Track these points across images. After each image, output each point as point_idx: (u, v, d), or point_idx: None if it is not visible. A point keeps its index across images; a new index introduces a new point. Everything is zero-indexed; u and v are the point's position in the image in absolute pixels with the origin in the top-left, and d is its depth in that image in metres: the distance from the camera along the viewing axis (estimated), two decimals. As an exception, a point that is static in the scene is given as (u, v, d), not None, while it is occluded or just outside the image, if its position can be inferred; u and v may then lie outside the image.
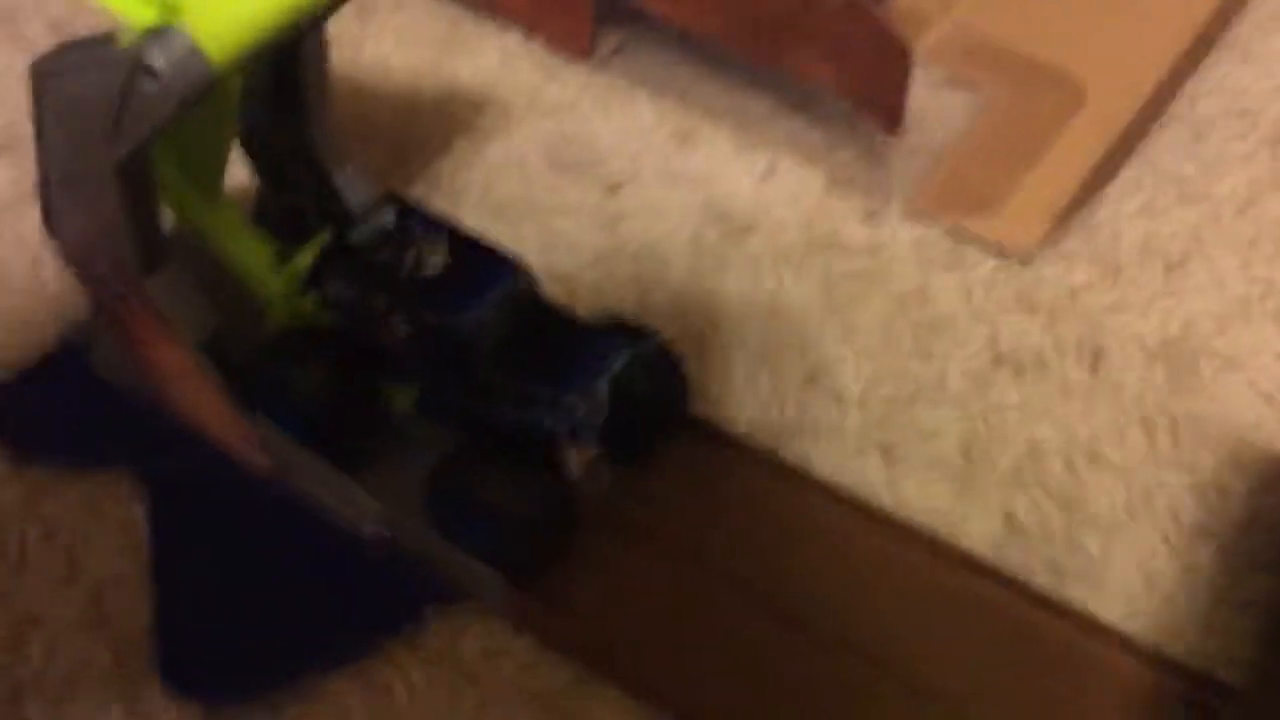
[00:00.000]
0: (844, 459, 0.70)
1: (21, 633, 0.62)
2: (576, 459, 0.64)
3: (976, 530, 0.67)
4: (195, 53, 0.51)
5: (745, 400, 0.73)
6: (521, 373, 0.60)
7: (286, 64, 0.64)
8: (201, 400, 0.68)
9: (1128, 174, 0.83)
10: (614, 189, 0.84)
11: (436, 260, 0.60)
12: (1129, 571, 0.65)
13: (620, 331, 0.63)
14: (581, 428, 0.60)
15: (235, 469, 0.68)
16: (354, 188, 0.70)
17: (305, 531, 0.66)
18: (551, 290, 0.68)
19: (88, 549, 0.65)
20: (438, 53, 0.90)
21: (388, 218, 0.62)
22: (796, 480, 0.68)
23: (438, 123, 0.86)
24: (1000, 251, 0.79)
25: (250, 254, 0.68)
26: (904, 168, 0.83)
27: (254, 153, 0.72)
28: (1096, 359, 0.74)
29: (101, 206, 0.58)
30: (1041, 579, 0.65)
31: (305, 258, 0.65)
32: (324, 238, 0.64)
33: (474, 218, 0.79)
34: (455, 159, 0.84)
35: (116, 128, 0.53)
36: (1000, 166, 0.83)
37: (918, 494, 0.68)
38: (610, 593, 0.63)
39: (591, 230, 0.81)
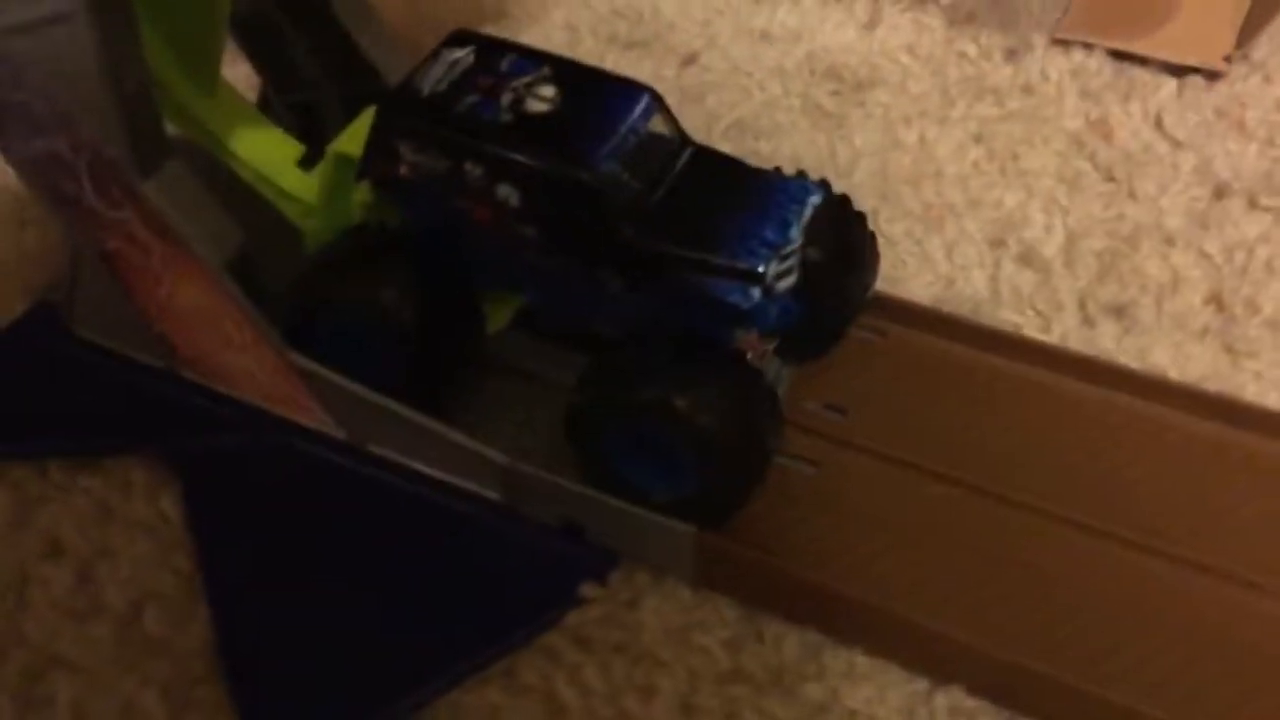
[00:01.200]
0: (1068, 329, 0.54)
1: (39, 680, 0.44)
2: (752, 351, 0.48)
3: (1253, 390, 0.52)
4: None
5: (922, 274, 0.57)
6: (685, 238, 0.43)
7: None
8: (234, 351, 0.51)
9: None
10: (690, 59, 0.68)
11: (545, 95, 0.44)
12: None
13: (801, 180, 0.47)
14: (771, 303, 0.43)
15: (290, 439, 0.51)
16: (388, 55, 0.54)
17: (399, 510, 0.49)
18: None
19: (107, 565, 0.48)
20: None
21: (463, 56, 0.45)
22: (1014, 355, 0.52)
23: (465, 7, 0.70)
24: (1179, 70, 0.65)
25: (270, 152, 0.52)
26: (1036, -7, 0.69)
27: (251, 34, 0.55)
28: (1338, 176, 0.60)
29: (76, 66, 0.41)
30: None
31: (352, 138, 0.48)
32: (369, 114, 0.47)
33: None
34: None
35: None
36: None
37: (1173, 358, 0.53)
38: (821, 527, 0.47)
39: (675, 109, 0.65)
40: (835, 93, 0.66)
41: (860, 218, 0.50)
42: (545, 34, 0.70)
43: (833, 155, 0.62)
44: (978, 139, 0.63)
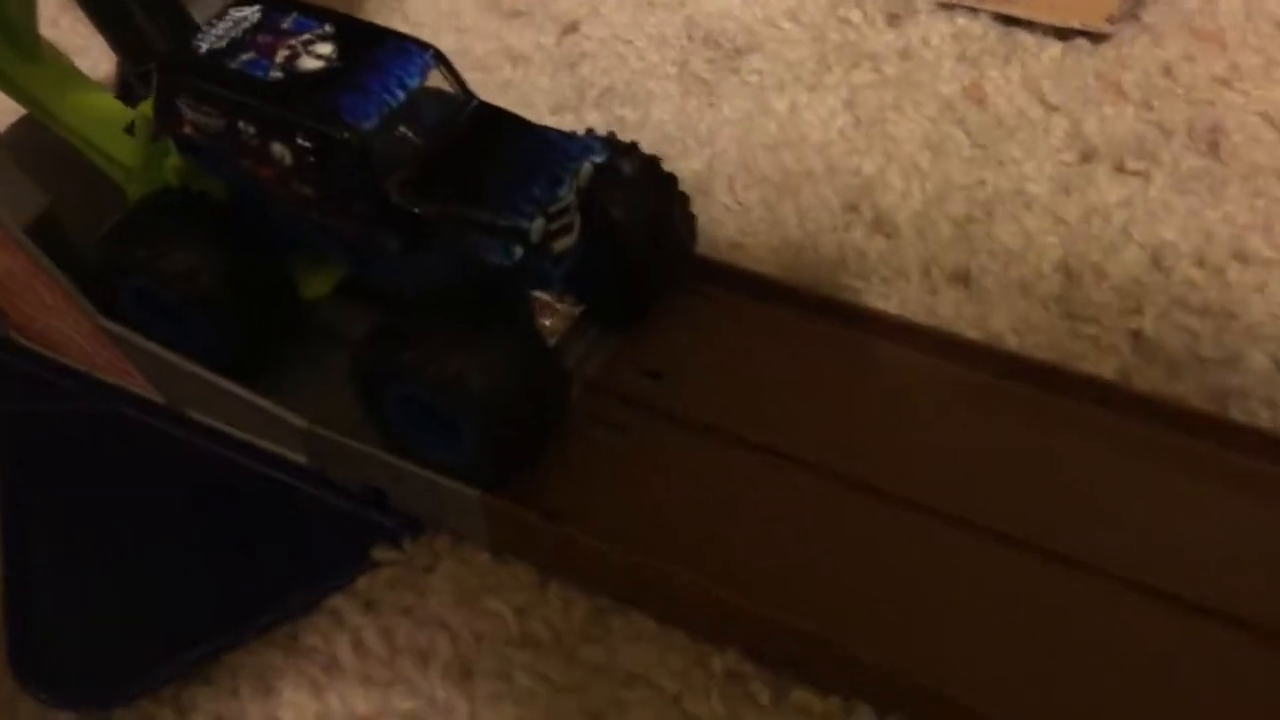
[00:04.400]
0: (908, 296, 0.53)
1: None
2: (550, 317, 0.47)
3: (1094, 358, 0.50)
4: None
5: (769, 240, 0.56)
6: (452, 197, 0.42)
7: None
8: (53, 316, 0.51)
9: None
10: (570, 28, 0.67)
11: (320, 53, 0.43)
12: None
13: (584, 138, 0.45)
14: (544, 262, 0.42)
15: (111, 405, 0.51)
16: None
17: (206, 474, 0.49)
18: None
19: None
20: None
21: (249, 14, 0.45)
22: (849, 324, 0.51)
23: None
24: (1065, 34, 0.63)
25: (94, 117, 0.52)
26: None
27: (96, 5, 0.55)
28: (1214, 140, 0.57)
29: None
30: (1201, 404, 0.48)
31: (147, 104, 0.47)
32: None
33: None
34: (369, 12, 0.68)
35: None
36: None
37: (1013, 325, 0.51)
38: (623, 495, 0.46)
39: (549, 77, 0.65)
40: (712, 60, 0.64)
41: (671, 179, 0.49)
42: (431, 2, 0.70)
43: (699, 122, 0.61)
44: (848, 105, 0.61)
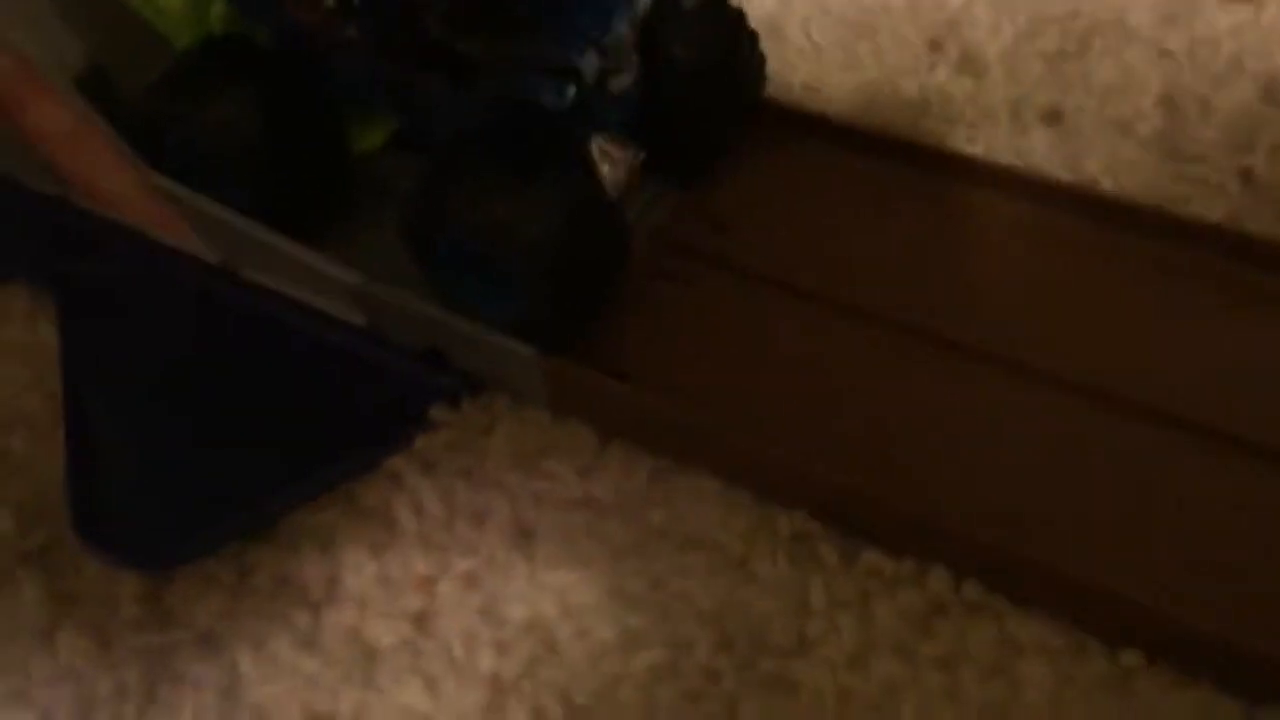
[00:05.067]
0: (995, 138, 0.49)
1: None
2: (609, 164, 0.44)
3: (1200, 200, 0.46)
4: None
5: (846, 83, 0.52)
6: (497, 30, 0.39)
7: None
8: (106, 173, 0.50)
9: None
10: None
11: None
12: None
13: None
14: (600, 102, 0.40)
15: (167, 262, 0.50)
16: None
17: (261, 335, 0.48)
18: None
19: (-19, 389, 0.48)
20: None
21: None
22: (931, 169, 0.47)
23: None
24: None
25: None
26: None
27: None
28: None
29: None
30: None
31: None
32: None
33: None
34: None
35: None
36: None
37: (1110, 166, 0.47)
38: (687, 352, 0.44)
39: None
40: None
41: (738, 14, 0.46)
42: None
43: (771, -40, 0.57)
44: (930, -66, 0.57)
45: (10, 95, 0.48)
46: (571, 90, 0.39)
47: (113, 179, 0.50)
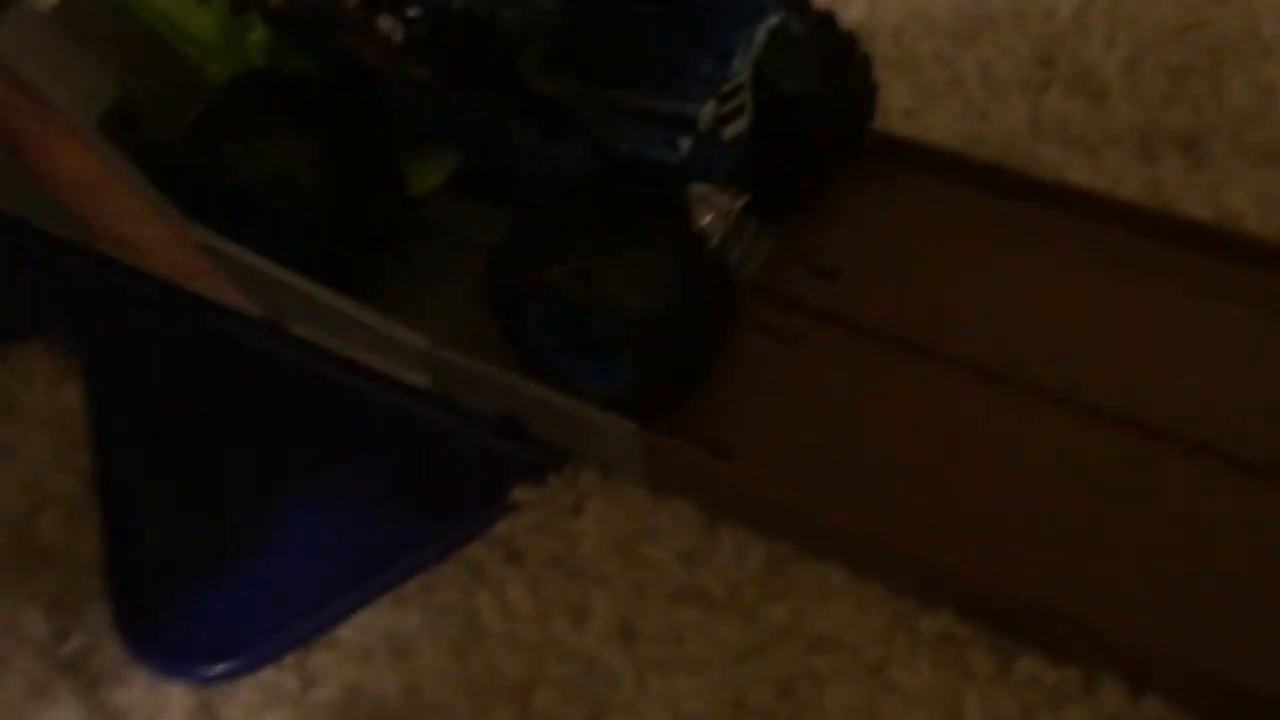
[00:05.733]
0: (1122, 168, 0.44)
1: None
2: (707, 213, 0.39)
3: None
4: None
5: (948, 104, 0.47)
6: (600, 76, 0.34)
7: None
8: (133, 222, 0.45)
9: None
10: None
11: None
12: None
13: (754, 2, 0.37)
14: (712, 153, 0.35)
15: (204, 320, 0.45)
16: None
17: (315, 401, 0.43)
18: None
19: (5, 466, 0.43)
20: None
21: None
22: (1052, 204, 0.43)
23: None
24: None
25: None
26: None
27: None
28: None
29: None
30: None
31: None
32: None
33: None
34: None
35: None
36: None
37: (1256, 199, 0.43)
38: (801, 420, 0.40)
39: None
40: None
41: (851, 41, 0.41)
42: None
43: (855, -37, 0.52)
44: (1033, -67, 0.52)
45: (32, 138, 0.43)
46: (687, 144, 0.34)
47: (142, 228, 0.44)
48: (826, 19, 0.40)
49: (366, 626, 0.39)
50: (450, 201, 0.44)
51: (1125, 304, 0.41)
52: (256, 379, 0.44)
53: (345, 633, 0.39)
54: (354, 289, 0.42)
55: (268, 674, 0.38)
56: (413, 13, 0.35)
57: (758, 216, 0.42)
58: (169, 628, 0.39)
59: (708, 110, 0.34)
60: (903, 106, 0.47)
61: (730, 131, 0.35)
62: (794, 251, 0.43)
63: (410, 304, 0.43)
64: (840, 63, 0.40)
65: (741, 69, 0.34)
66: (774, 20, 0.35)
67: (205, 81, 0.44)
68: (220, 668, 0.38)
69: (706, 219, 0.40)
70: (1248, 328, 0.39)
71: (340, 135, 0.40)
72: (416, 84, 0.37)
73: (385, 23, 0.36)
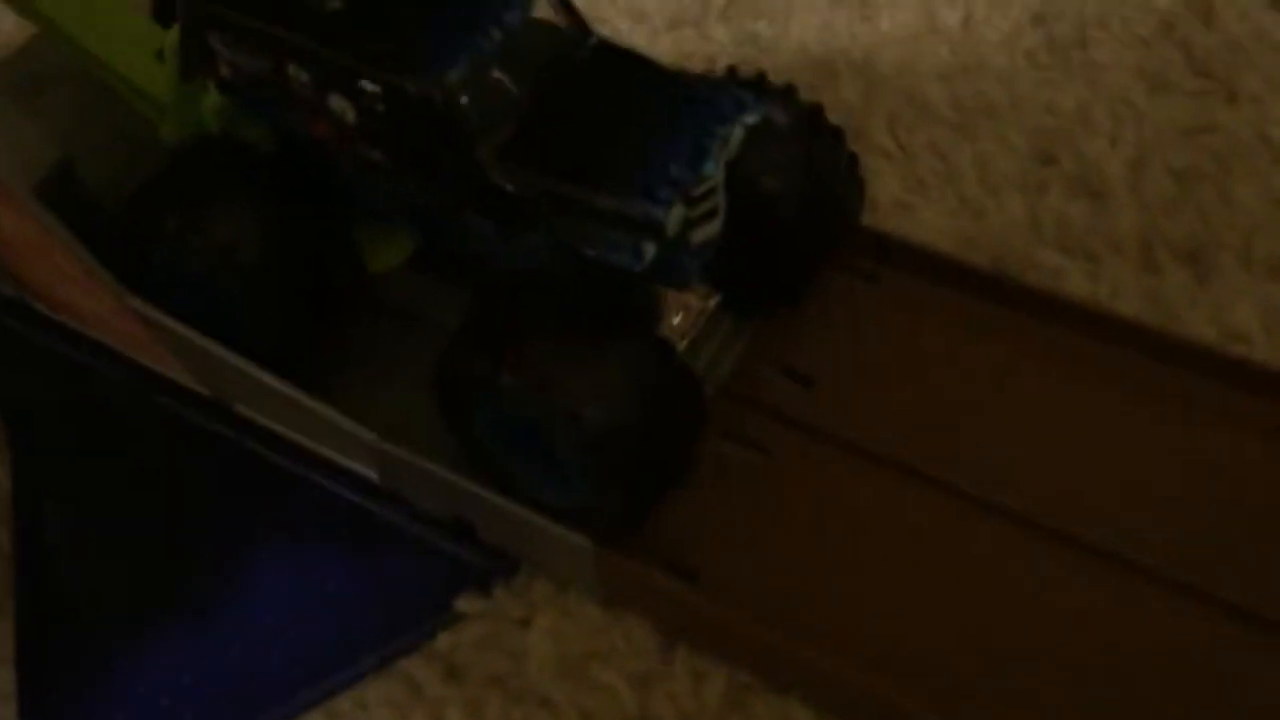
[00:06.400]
0: (1122, 277, 0.42)
1: None
2: (678, 313, 0.37)
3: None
4: None
5: (943, 199, 0.45)
6: (564, 170, 0.32)
7: None
8: (72, 286, 0.42)
9: None
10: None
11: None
12: None
13: (734, 90, 0.35)
14: (680, 257, 0.33)
15: (141, 389, 0.43)
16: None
17: (258, 482, 0.41)
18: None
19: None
20: None
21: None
22: (1048, 317, 0.40)
23: None
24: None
25: (122, 41, 0.42)
26: None
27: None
28: None
29: None
30: None
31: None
32: None
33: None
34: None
35: None
36: None
37: (1264, 319, 0.40)
38: (766, 538, 0.37)
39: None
40: (866, -40, 0.53)
41: (837, 136, 0.38)
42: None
43: (852, 40, 0.50)
44: (1038, 19, 0.50)
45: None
46: (652, 250, 0.31)
47: (81, 294, 0.42)
48: (813, 111, 0.37)
49: (290, 742, 0.36)
50: (408, 278, 0.42)
51: (1121, 429, 0.38)
52: (194, 459, 0.42)
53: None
54: (302, 371, 0.40)
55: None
56: (366, 93, 0.32)
57: (733, 314, 0.40)
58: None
59: (675, 215, 0.31)
60: (895, 198, 0.45)
61: (701, 235, 0.33)
62: (769, 353, 0.40)
63: (361, 389, 0.40)
64: (825, 159, 0.38)
65: (714, 171, 0.32)
66: (752, 117, 0.33)
67: (157, 142, 0.42)
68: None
69: (676, 319, 0.38)
70: (1244, 459, 0.37)
71: (289, 210, 0.38)
72: (370, 166, 0.35)
73: (337, 102, 0.33)
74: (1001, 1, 0.50)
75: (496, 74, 0.32)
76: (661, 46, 0.51)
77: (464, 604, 0.37)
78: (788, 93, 0.37)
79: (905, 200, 0.45)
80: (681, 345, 0.37)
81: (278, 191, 0.38)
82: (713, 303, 0.38)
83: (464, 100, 0.32)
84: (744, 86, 0.36)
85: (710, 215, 0.33)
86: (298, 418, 0.40)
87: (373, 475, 0.40)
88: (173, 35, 0.38)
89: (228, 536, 0.40)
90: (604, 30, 0.51)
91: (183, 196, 0.38)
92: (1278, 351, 0.39)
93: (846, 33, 0.50)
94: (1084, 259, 0.43)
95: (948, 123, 0.47)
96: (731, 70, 0.38)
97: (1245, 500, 0.36)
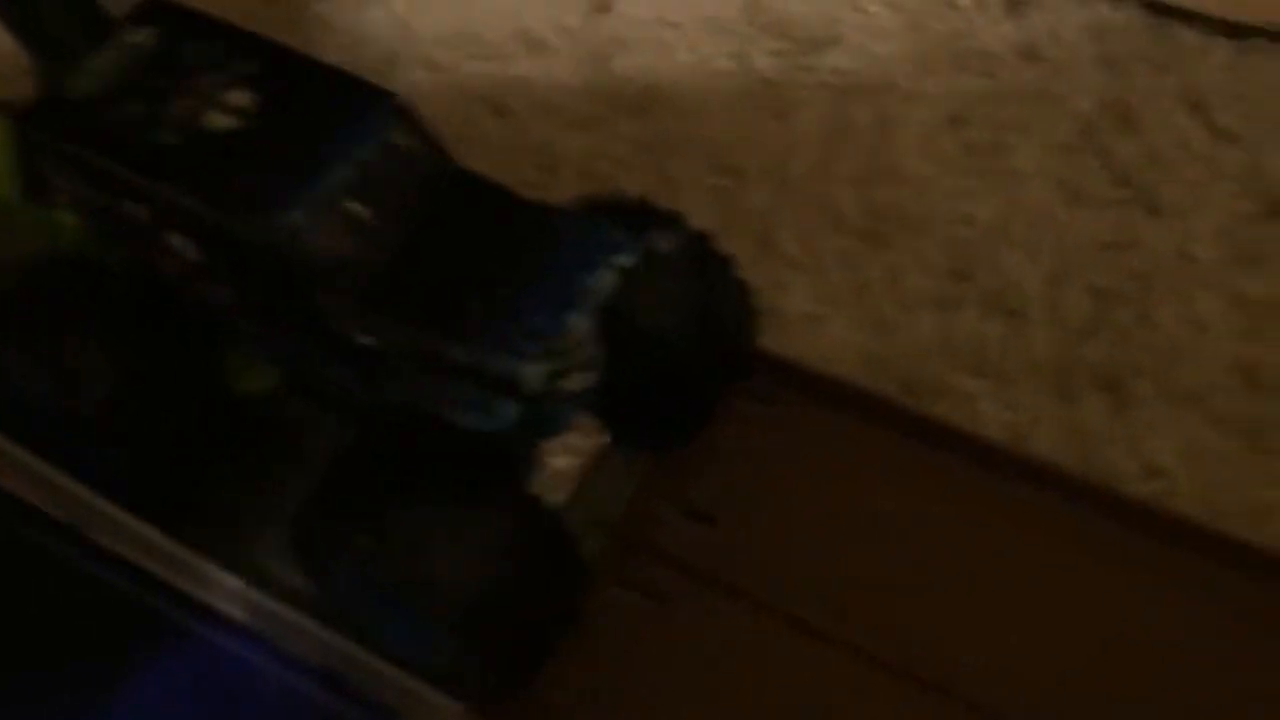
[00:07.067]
0: (1037, 404, 0.40)
1: None
2: (561, 455, 0.34)
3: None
4: None
5: (852, 315, 0.43)
6: (417, 318, 0.29)
7: None
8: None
9: None
10: (602, 5, 0.54)
11: (235, 104, 0.30)
12: None
13: (613, 222, 0.32)
14: (550, 409, 0.30)
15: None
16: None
17: (117, 619, 0.38)
18: (514, 174, 0.37)
19: None
20: None
21: (142, 38, 0.32)
22: (960, 454, 0.38)
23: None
24: (1238, 30, 0.49)
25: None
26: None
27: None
28: None
29: None
30: None
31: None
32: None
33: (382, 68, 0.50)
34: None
35: None
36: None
37: (1184, 454, 0.38)
38: (660, 701, 0.34)
39: (573, 71, 0.51)
40: (779, 54, 0.51)
41: (725, 265, 0.36)
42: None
43: (763, 140, 0.48)
44: (954, 122, 0.48)
45: None
46: (510, 409, 0.29)
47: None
48: (698, 239, 0.35)
49: None
50: (281, 400, 0.39)
51: (1039, 579, 0.36)
52: (48, 591, 0.39)
53: None
54: (165, 504, 0.37)
55: None
56: (206, 235, 0.30)
57: (623, 451, 0.37)
58: None
59: (535, 371, 0.29)
60: (802, 311, 0.43)
61: (572, 386, 0.30)
62: (666, 490, 0.38)
63: (230, 525, 0.38)
64: (711, 290, 0.35)
65: (580, 323, 0.29)
66: (626, 259, 0.31)
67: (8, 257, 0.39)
68: None
69: (560, 460, 0.35)
70: (1175, 618, 0.35)
71: (145, 339, 0.35)
72: (219, 302, 0.32)
73: (177, 239, 0.31)
74: (917, 101, 0.48)
75: (345, 211, 0.30)
76: (570, 144, 0.49)
77: (330, 767, 0.35)
78: (674, 221, 0.35)
79: (814, 312, 0.43)
80: (563, 494, 0.35)
81: (130, 318, 0.35)
82: (599, 443, 0.36)
83: (309, 242, 0.29)
84: (626, 213, 0.34)
85: (584, 366, 0.30)
86: (159, 553, 0.37)
87: (241, 618, 0.37)
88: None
89: (77, 683, 0.37)
90: (513, 124, 0.49)
91: (23, 326, 0.35)
92: (1199, 489, 0.38)
93: (758, 131, 0.49)
94: (998, 383, 0.41)
95: (860, 231, 0.45)
96: (611, 207, 0.35)
97: (1175, 661, 0.34)
